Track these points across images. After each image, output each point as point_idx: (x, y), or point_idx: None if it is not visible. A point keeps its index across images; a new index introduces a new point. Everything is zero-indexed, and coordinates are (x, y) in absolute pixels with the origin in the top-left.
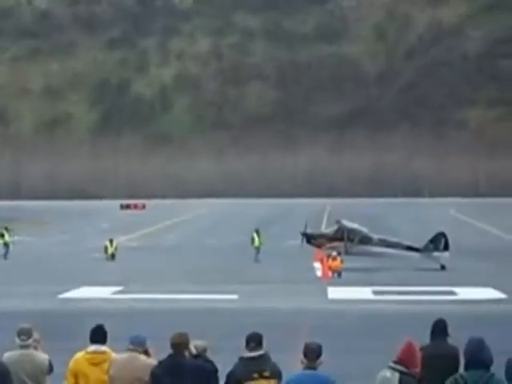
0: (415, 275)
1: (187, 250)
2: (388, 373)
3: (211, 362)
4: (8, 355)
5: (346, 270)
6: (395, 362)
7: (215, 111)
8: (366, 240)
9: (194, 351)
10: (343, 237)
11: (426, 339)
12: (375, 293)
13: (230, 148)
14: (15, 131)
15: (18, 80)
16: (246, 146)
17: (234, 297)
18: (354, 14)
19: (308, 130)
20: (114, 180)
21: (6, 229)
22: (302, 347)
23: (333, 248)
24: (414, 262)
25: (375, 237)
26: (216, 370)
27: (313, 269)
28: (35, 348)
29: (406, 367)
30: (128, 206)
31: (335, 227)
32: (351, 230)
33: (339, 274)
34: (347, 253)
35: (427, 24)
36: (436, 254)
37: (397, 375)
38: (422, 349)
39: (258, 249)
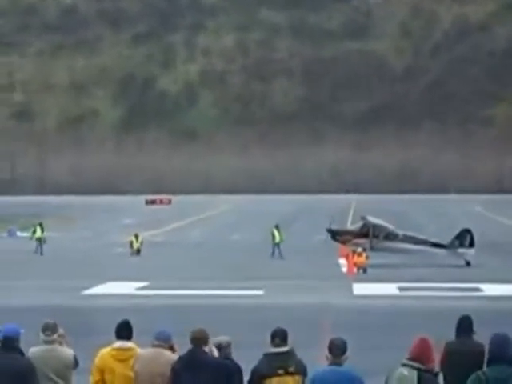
0: (440, 271)
1: (212, 245)
2: (405, 371)
3: (232, 360)
4: (33, 351)
5: (372, 266)
6: (410, 359)
7: (241, 107)
8: (391, 236)
9: (215, 353)
10: (368, 233)
11: (451, 336)
12: (400, 289)
13: (256, 144)
14: (40, 127)
15: (42, 76)
16: (272, 142)
17: (260, 292)
18: (379, 11)
19: (334, 126)
20: (140, 175)
21: (40, 225)
22: (327, 343)
23: (358, 244)
24: (439, 258)
25: (400, 233)
26: (237, 368)
27: (338, 265)
28: (60, 343)
29: (422, 363)
30: (153, 202)
31: (360, 223)
32: (376, 227)
33: (364, 270)
34: (372, 249)
35: (453, 20)
36: (461, 250)
37: (415, 372)
38: (447, 345)
39: (278, 245)
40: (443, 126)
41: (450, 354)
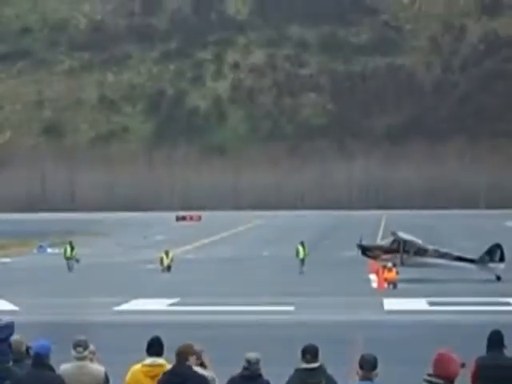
0: (470, 286)
1: (242, 261)
2: None
3: (260, 375)
4: (64, 367)
5: (402, 280)
6: (430, 375)
7: (270, 123)
8: (421, 251)
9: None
10: (399, 248)
11: (481, 350)
12: (430, 303)
13: (285, 159)
14: (70, 143)
15: (72, 92)
16: (301, 157)
17: (291, 308)
18: (409, 25)
19: (363, 141)
20: (170, 191)
21: (70, 243)
22: (357, 360)
23: (388, 260)
24: (469, 273)
25: (430, 248)
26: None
27: (368, 280)
28: (91, 360)
29: (443, 379)
30: (184, 218)
31: (391, 239)
32: (407, 242)
33: (395, 286)
34: (403, 264)
35: (482, 35)
36: (492, 265)
37: None
38: (478, 359)
39: (302, 260)
40: (473, 141)
41: (481, 369)
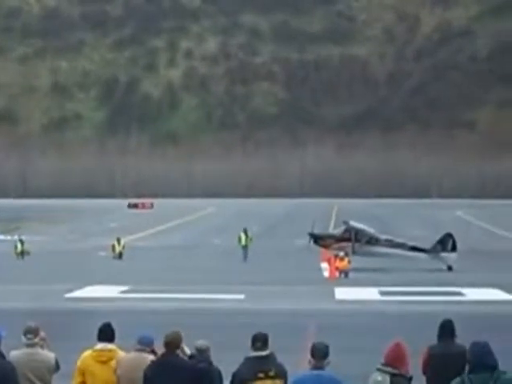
0: (422, 276)
1: (194, 249)
2: (379, 376)
3: (211, 363)
4: (14, 354)
5: (353, 270)
6: (383, 365)
7: (223, 111)
8: (373, 241)
9: (187, 352)
10: (351, 237)
11: (433, 340)
12: (382, 293)
13: (238, 147)
14: (24, 130)
15: (26, 79)
16: (254, 145)
17: (241, 297)
18: (363, 15)
19: (316, 130)
20: (122, 179)
21: (20, 240)
22: (309, 347)
23: (340, 248)
24: (421, 262)
25: (382, 237)
26: (211, 371)
27: (320, 269)
28: (41, 347)
29: (395, 368)
30: (136, 205)
31: (343, 228)
32: (359, 231)
33: (346, 275)
34: (354, 253)
35: (436, 25)
36: (443, 254)
37: (387, 377)
38: (429, 348)
39: (245, 247)
40: (426, 130)
41: (432, 357)
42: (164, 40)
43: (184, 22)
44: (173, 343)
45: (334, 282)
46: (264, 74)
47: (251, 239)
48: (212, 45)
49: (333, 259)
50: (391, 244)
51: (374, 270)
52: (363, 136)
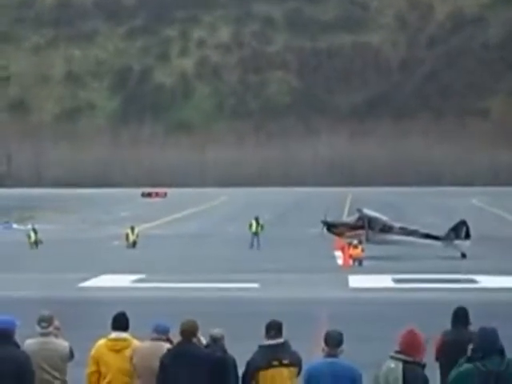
0: (436, 263)
1: (208, 238)
2: (392, 363)
3: (225, 351)
4: (29, 342)
5: (367, 258)
6: (397, 352)
7: (236, 99)
8: (386, 228)
9: (203, 341)
10: (364, 225)
11: (446, 327)
12: (395, 281)
13: (251, 136)
14: (36, 119)
15: (39, 68)
16: (267, 134)
17: (256, 285)
18: (375, 3)
19: (329, 118)
20: (136, 168)
21: (34, 230)
22: (322, 336)
23: (354, 236)
24: (435, 250)
25: (396, 225)
26: (226, 359)
27: (334, 257)
28: (55, 336)
29: (409, 355)
30: (149, 194)
31: (356, 216)
32: (372, 219)
33: (360, 263)
34: (368, 241)
35: (448, 13)
36: (457, 242)
37: (400, 365)
38: (443, 335)
39: (255, 234)
40: (438, 118)
41: (446, 344)
42: (177, 29)
43: (197, 11)
44: (189, 331)
45: (347, 270)
46: (277, 62)
47: (262, 227)
48: (225, 34)
49: (346, 247)
50: (405, 231)
51: (388, 258)
52: (376, 124)
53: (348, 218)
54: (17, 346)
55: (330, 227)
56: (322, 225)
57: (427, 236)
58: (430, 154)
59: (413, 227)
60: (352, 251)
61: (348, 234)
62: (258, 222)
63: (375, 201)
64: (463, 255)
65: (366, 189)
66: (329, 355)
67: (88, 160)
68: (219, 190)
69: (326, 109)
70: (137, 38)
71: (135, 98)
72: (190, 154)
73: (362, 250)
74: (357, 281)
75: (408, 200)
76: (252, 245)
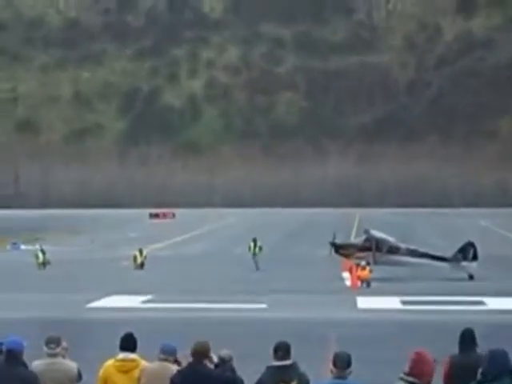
0: (444, 285)
1: (216, 259)
2: None
3: (234, 372)
4: (37, 363)
5: (375, 279)
6: (406, 374)
7: (245, 121)
8: (394, 249)
9: (215, 361)
10: (371, 246)
11: (454, 349)
12: (404, 302)
13: (260, 158)
14: (45, 140)
15: (47, 89)
16: (276, 155)
17: (263, 306)
18: (383, 24)
19: (337, 139)
20: (144, 189)
21: (42, 250)
22: (331, 357)
23: (361, 258)
24: (442, 271)
25: (403, 246)
26: (236, 380)
27: (342, 278)
28: (63, 357)
29: (418, 378)
30: (157, 215)
31: (363, 237)
32: (379, 240)
33: (368, 284)
34: (375, 262)
35: (457, 34)
36: (464, 263)
37: None
38: (451, 358)
39: (254, 255)
40: (447, 140)
41: (454, 368)
42: (185, 50)
43: (205, 32)
44: (201, 352)
45: (355, 291)
46: (286, 83)
47: (261, 248)
48: (233, 55)
49: (354, 268)
50: (412, 253)
51: (396, 280)
52: (384, 145)
53: (356, 239)
54: (25, 366)
55: (338, 249)
56: (329, 246)
57: (435, 257)
58: (437, 175)
59: (420, 249)
60: (360, 272)
61: (356, 255)
62: (255, 244)
63: (383, 222)
64: (471, 277)
65: (374, 210)
66: (337, 377)
67: (96, 180)
68: (227, 211)
69: (335, 130)
70: (145, 58)
71: (143, 119)
72: (198, 175)
73: (370, 272)
74: (365, 302)
75: (416, 221)
76: (256, 267)
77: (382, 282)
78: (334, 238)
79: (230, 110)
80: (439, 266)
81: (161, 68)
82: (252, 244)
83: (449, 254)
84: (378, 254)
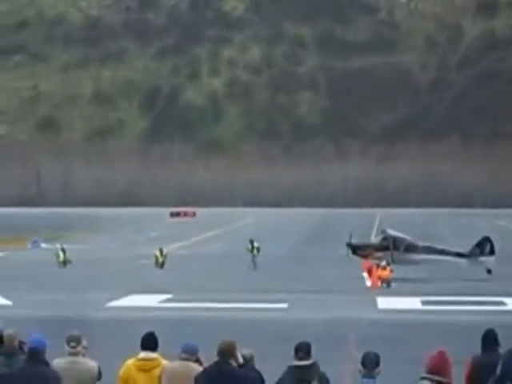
0: (464, 285)
1: (236, 258)
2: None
3: (257, 371)
4: (57, 362)
5: (395, 279)
6: (430, 373)
7: (266, 120)
8: (411, 248)
9: (240, 360)
10: (389, 246)
11: (475, 350)
12: (424, 303)
13: (281, 157)
14: (66, 139)
15: (68, 88)
16: (297, 155)
17: (284, 306)
18: (405, 24)
19: (359, 139)
20: (165, 187)
21: (62, 249)
22: (352, 357)
23: (379, 258)
24: (460, 267)
25: (420, 244)
26: (261, 380)
27: (362, 278)
28: (83, 355)
29: (441, 376)
30: (178, 214)
31: (381, 237)
32: (397, 239)
33: (388, 284)
34: (393, 261)
35: (478, 34)
36: (482, 258)
37: None
38: (473, 359)
39: (253, 257)
40: (468, 140)
41: (476, 368)
42: (207, 49)
43: (227, 30)
44: (227, 351)
45: (376, 291)
46: (307, 83)
47: (258, 249)
48: (255, 54)
49: (375, 268)
50: (429, 250)
51: (416, 280)
52: (405, 145)
53: (373, 239)
54: (47, 364)
55: (355, 249)
56: (346, 247)
57: (452, 253)
58: (458, 176)
59: (437, 246)
60: (380, 272)
61: (374, 255)
62: (253, 245)
63: (404, 222)
64: (489, 271)
65: (394, 210)
66: (366, 376)
67: (117, 179)
68: (248, 210)
69: (356, 130)
70: (166, 57)
71: (165, 117)
72: (219, 174)
73: (391, 272)
74: (385, 302)
75: (436, 221)
76: (251, 266)
77: (402, 282)
78: (351, 238)
79: (252, 109)
80: (457, 261)
81: (182, 66)
82: (250, 246)
83: (466, 249)
84: (395, 253)
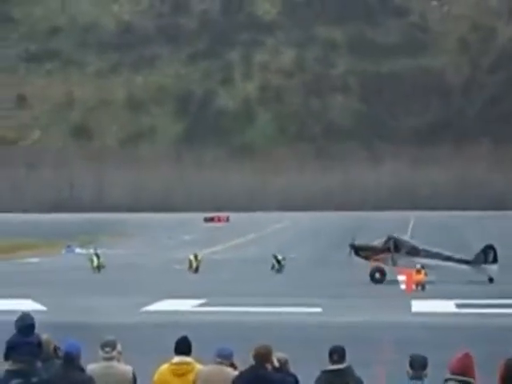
0: (498, 288)
1: (269, 262)
2: None
3: (293, 375)
4: (92, 367)
5: (429, 282)
6: (454, 374)
7: (298, 123)
8: (413, 251)
9: (276, 364)
10: (390, 248)
11: (510, 351)
12: (458, 306)
13: (313, 160)
14: (100, 144)
15: (101, 93)
16: (329, 158)
17: (318, 310)
18: (437, 26)
19: (391, 142)
20: (198, 192)
21: (96, 254)
22: (386, 361)
23: (380, 260)
24: (463, 274)
25: (423, 249)
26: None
27: (397, 281)
28: (118, 360)
29: (469, 377)
30: (212, 219)
31: (384, 239)
32: (399, 241)
33: (423, 287)
34: (394, 264)
35: (511, 37)
36: (484, 266)
37: None
38: (506, 361)
39: (278, 271)
40: (500, 143)
41: (510, 371)
42: (239, 53)
43: (259, 35)
44: (263, 356)
45: (410, 294)
46: (339, 86)
47: (281, 262)
48: (287, 57)
49: (409, 272)
50: (432, 255)
51: (451, 283)
52: (437, 148)
53: (375, 241)
54: (82, 370)
55: (358, 250)
56: (349, 248)
57: (456, 260)
58: (491, 178)
59: (442, 251)
60: (415, 276)
61: (375, 257)
62: (278, 261)
63: (436, 224)
64: (490, 279)
65: (427, 212)
66: (414, 377)
67: (151, 184)
68: (281, 214)
69: (388, 133)
70: (199, 62)
71: (197, 122)
72: (252, 178)
73: (425, 275)
74: (419, 305)
75: (469, 224)
76: (273, 267)
77: (437, 285)
78: (354, 239)
79: (284, 112)
80: (460, 268)
81: (214, 71)
82: (274, 260)
83: (470, 256)
84: (396, 255)
